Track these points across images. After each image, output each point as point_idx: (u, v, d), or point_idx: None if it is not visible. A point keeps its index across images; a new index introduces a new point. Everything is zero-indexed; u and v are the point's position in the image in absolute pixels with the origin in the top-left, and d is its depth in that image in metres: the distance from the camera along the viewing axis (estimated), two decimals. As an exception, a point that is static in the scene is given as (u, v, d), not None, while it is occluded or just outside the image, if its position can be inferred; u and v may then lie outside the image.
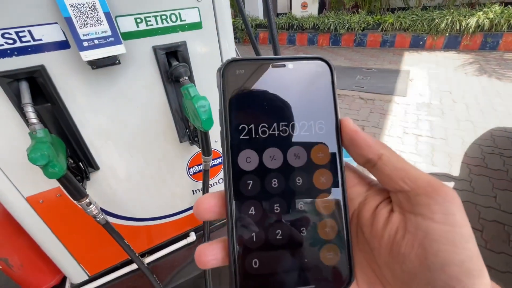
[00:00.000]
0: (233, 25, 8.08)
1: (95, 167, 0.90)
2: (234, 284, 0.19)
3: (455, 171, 2.16)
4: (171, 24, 0.83)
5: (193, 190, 1.20)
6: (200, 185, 1.19)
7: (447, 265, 0.16)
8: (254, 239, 0.19)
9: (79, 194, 0.79)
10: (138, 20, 0.78)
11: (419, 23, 5.50)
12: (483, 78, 3.90)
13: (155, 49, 0.83)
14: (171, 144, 1.02)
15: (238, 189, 0.19)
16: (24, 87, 0.70)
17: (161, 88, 0.90)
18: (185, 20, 0.84)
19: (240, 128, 0.20)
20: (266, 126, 0.20)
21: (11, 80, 0.69)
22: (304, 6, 7.17)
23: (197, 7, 0.84)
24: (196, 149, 1.10)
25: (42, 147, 0.64)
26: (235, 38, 8.77)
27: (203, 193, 1.10)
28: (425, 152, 2.44)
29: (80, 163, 0.86)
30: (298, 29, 7.01)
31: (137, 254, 1.01)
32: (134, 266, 1.18)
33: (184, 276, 1.18)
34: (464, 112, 3.07)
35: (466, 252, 0.16)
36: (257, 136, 0.20)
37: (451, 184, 2.02)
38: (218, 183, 1.25)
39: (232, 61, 0.20)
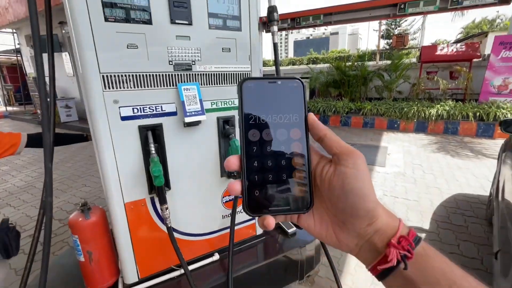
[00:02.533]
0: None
1: (169, 187, 1.39)
2: (245, 204, 0.31)
3: (426, 226, 2.60)
4: (228, 106, 1.47)
5: (222, 215, 1.64)
6: (228, 211, 1.64)
7: (352, 189, 0.29)
8: (256, 179, 0.31)
9: (164, 200, 1.27)
10: (212, 103, 1.42)
11: (392, 110, 6.70)
12: (447, 156, 4.69)
13: (218, 118, 1.45)
14: (214, 178, 1.54)
15: (248, 151, 0.31)
16: (150, 134, 1.27)
17: (216, 141, 1.48)
18: (236, 104, 1.49)
19: (249, 117, 0.31)
20: (264, 116, 0.31)
21: (145, 130, 1.27)
22: (297, 92, 8.63)
23: (243, 98, 1.51)
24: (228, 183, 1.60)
25: (159, 166, 1.17)
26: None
27: (232, 218, 1.54)
28: (401, 211, 2.90)
29: (163, 183, 1.36)
30: (293, 110, 8.25)
31: (184, 259, 1.38)
32: (173, 275, 1.50)
33: (209, 285, 1.50)
34: (432, 180, 3.67)
35: (362, 183, 0.29)
36: (259, 122, 0.31)
37: (422, 235, 2.44)
38: (240, 212, 1.69)
39: (246, 79, 0.31)
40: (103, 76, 1.12)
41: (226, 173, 1.56)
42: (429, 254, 0.29)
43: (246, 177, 0.31)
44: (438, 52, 6.83)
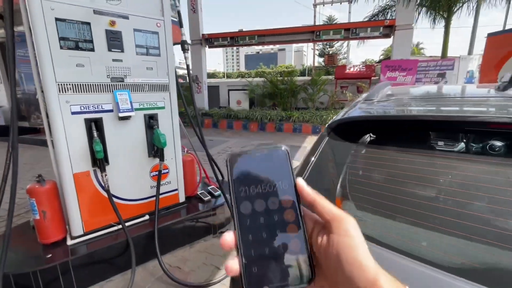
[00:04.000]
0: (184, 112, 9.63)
1: (108, 162, 1.96)
2: (244, 283, 0.29)
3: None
4: (152, 106, 2.13)
5: (150, 186, 2.25)
6: (154, 183, 2.25)
7: (347, 259, 0.28)
8: (253, 255, 0.30)
9: (103, 169, 1.85)
10: (140, 104, 2.06)
11: (315, 118, 8.04)
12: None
13: (144, 115, 2.09)
14: (144, 157, 2.16)
15: (241, 226, 0.30)
16: (93, 124, 1.85)
17: (144, 130, 2.11)
18: (158, 105, 2.16)
19: (239, 189, 0.31)
20: (254, 187, 0.31)
21: (89, 121, 1.84)
22: (238, 102, 9.58)
23: (164, 101, 2.18)
24: (155, 162, 2.23)
25: (99, 144, 1.78)
26: (185, 122, 10.58)
27: (157, 188, 2.17)
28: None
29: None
30: (235, 118, 9.12)
31: (121, 217, 1.95)
32: (110, 229, 2.04)
33: (140, 237, 2.08)
34: (331, 169, 4.80)
35: (356, 251, 0.28)
36: (249, 193, 0.31)
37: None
38: (165, 184, 2.32)
39: (232, 154, 0.32)
40: (58, 84, 1.69)
41: (153, 154, 2.19)
42: None
43: (243, 253, 0.30)
44: (347, 71, 8.55)
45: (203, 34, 8.89)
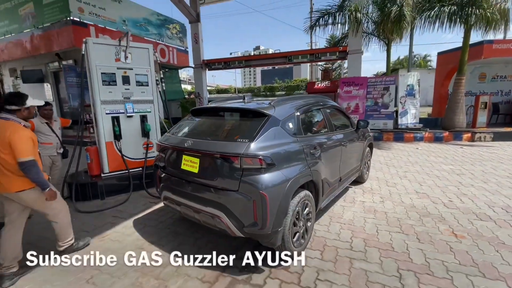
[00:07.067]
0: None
1: (121, 138, 4.05)
2: None
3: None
4: (144, 111, 4.23)
5: (142, 152, 4.30)
6: (144, 151, 4.30)
7: None
8: None
9: (119, 140, 3.97)
10: (138, 110, 4.17)
11: (289, 125, 9.90)
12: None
13: (140, 115, 4.20)
14: (139, 136, 4.23)
15: None
16: (115, 119, 3.97)
17: (139, 123, 4.20)
18: (147, 110, 4.25)
19: None
20: None
21: (113, 118, 3.96)
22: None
23: (151, 109, 4.28)
24: (145, 140, 4.28)
25: (117, 128, 3.90)
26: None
27: (145, 154, 4.22)
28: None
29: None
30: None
31: (127, 166, 4.00)
32: (123, 172, 4.09)
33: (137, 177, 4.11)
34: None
35: None
36: None
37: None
38: (151, 152, 4.35)
39: None
40: (101, 100, 3.83)
41: (144, 135, 4.25)
42: None
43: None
44: (315, 86, 10.36)
45: (203, 60, 11.19)
